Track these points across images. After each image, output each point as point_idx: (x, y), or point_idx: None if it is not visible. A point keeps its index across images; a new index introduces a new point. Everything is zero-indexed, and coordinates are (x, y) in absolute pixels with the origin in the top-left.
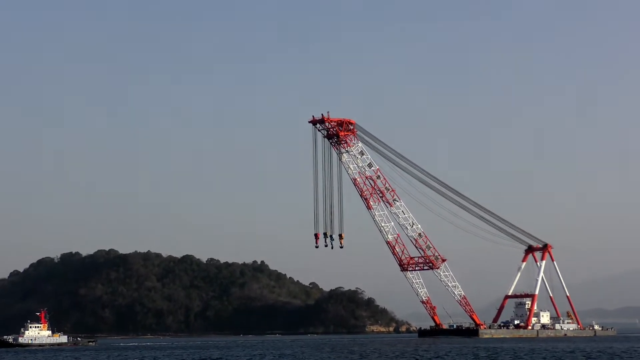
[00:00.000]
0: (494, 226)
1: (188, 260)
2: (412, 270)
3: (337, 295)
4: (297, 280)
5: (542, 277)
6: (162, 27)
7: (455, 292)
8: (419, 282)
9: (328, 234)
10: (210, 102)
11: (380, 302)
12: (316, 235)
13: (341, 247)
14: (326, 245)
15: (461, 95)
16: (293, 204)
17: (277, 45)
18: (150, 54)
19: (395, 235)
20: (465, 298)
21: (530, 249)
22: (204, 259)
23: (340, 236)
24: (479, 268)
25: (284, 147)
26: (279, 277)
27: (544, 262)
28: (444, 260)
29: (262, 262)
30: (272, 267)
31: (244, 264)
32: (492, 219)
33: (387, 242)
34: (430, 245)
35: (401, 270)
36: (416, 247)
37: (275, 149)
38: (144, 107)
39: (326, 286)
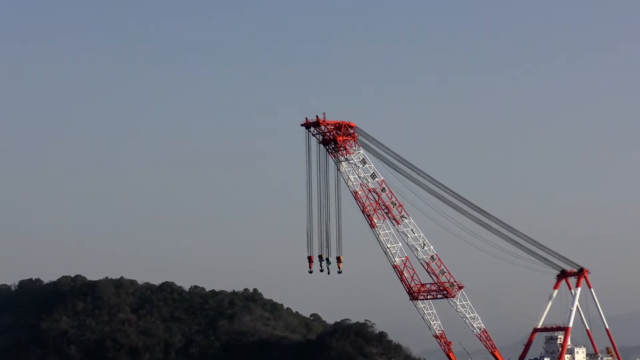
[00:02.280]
0: (521, 247)
1: (168, 288)
2: (423, 299)
3: (343, 329)
4: (296, 312)
5: (577, 306)
6: (154, 27)
7: (475, 325)
8: (432, 313)
9: (324, 257)
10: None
11: (393, 337)
12: (310, 259)
13: (339, 272)
14: (322, 270)
15: (480, 95)
16: (291, 223)
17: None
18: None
19: (403, 258)
20: (486, 332)
21: (563, 274)
22: (186, 287)
23: (339, 259)
24: (502, 297)
25: (276, 154)
26: (274, 307)
27: (579, 289)
28: (460, 288)
29: (255, 290)
30: (266, 296)
31: (234, 293)
32: (518, 239)
33: (394, 267)
34: (445, 270)
35: (410, 300)
36: (428, 272)
37: (267, 157)
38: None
39: (330, 318)
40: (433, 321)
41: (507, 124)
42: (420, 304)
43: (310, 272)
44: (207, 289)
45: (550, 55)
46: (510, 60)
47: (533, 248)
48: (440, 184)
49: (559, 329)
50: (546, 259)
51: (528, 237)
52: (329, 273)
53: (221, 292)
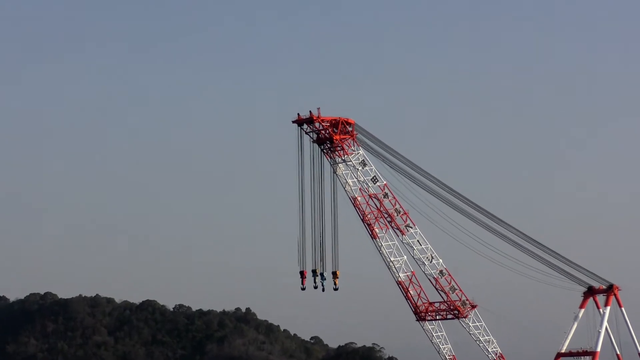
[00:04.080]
0: (543, 261)
1: (149, 307)
2: (431, 320)
3: (348, 354)
4: (294, 334)
5: (607, 328)
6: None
7: (490, 349)
8: (441, 335)
9: (318, 272)
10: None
11: None
12: (302, 274)
13: (335, 289)
14: (315, 287)
15: (501, 87)
16: (289, 233)
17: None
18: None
19: (408, 274)
20: (503, 357)
21: (590, 292)
22: (170, 306)
23: (335, 274)
24: (521, 317)
25: (263, 154)
26: (269, 329)
27: (608, 308)
28: (474, 307)
29: (248, 309)
30: (260, 316)
31: (224, 313)
32: (540, 252)
33: (398, 283)
34: (456, 287)
35: (417, 320)
36: (437, 289)
37: (256, 156)
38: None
39: (332, 341)
40: (443, 345)
41: (527, 121)
42: (428, 325)
43: (303, 288)
44: (194, 308)
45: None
46: (538, 50)
47: (556, 262)
48: (450, 188)
49: (585, 353)
50: (571, 274)
51: (551, 250)
52: (323, 290)
53: (209, 312)
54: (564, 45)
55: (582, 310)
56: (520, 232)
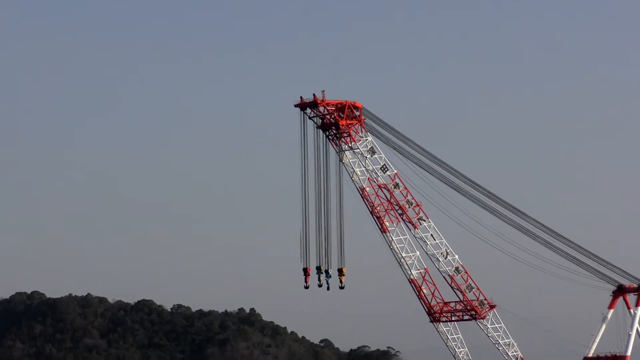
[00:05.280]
0: (568, 257)
1: (145, 307)
2: (446, 322)
3: (361, 358)
4: (303, 337)
5: (638, 330)
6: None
7: (510, 353)
8: (457, 338)
9: (323, 269)
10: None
11: None
12: (305, 271)
13: (341, 288)
14: (320, 285)
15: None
16: (294, 227)
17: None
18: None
19: (422, 271)
20: None
21: (620, 290)
22: (167, 306)
23: (341, 271)
24: (544, 318)
25: (265, 140)
26: (276, 331)
27: (639, 308)
28: (492, 307)
29: (252, 310)
30: (265, 317)
31: (226, 313)
32: (565, 247)
33: (410, 281)
34: (473, 285)
35: (431, 322)
36: (452, 287)
37: (255, 144)
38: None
39: (344, 345)
40: (459, 348)
41: (555, 107)
42: (442, 326)
43: (307, 287)
44: (193, 308)
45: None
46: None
47: (583, 258)
48: (468, 178)
49: (614, 357)
50: (599, 272)
51: (577, 245)
52: (328, 288)
53: (210, 313)
54: (589, 34)
55: (611, 311)
56: (544, 226)
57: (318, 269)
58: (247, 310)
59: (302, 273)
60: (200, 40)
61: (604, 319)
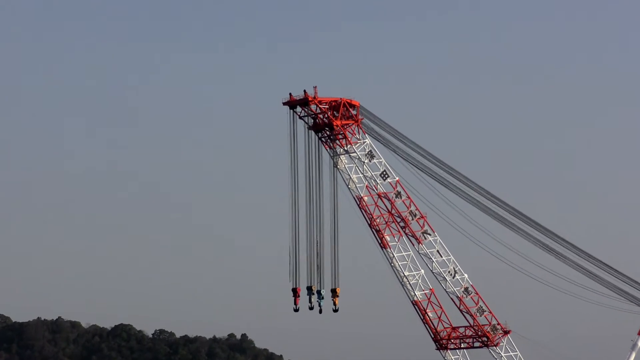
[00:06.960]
0: (593, 277)
1: (123, 332)
2: (455, 349)
3: None
4: None
5: None
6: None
7: None
8: None
9: (314, 289)
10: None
11: None
12: (295, 291)
13: (335, 310)
14: (311, 307)
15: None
16: (284, 243)
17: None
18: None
19: (427, 292)
20: None
21: None
22: (149, 331)
23: (334, 292)
24: (565, 345)
25: (251, 142)
26: (270, 359)
27: None
28: (507, 333)
29: (244, 335)
30: (259, 344)
31: (214, 340)
32: (590, 266)
33: (414, 303)
34: (485, 308)
35: (437, 349)
36: (461, 310)
37: (242, 145)
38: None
39: None
40: None
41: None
42: (450, 354)
43: (296, 309)
44: (178, 334)
45: None
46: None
47: (609, 277)
48: (479, 186)
49: None
50: (629, 294)
51: (602, 262)
52: (320, 311)
53: (197, 339)
54: (598, 29)
55: None
56: (565, 241)
57: (309, 289)
58: (238, 336)
59: (292, 294)
60: (200, 40)
61: (634, 346)
